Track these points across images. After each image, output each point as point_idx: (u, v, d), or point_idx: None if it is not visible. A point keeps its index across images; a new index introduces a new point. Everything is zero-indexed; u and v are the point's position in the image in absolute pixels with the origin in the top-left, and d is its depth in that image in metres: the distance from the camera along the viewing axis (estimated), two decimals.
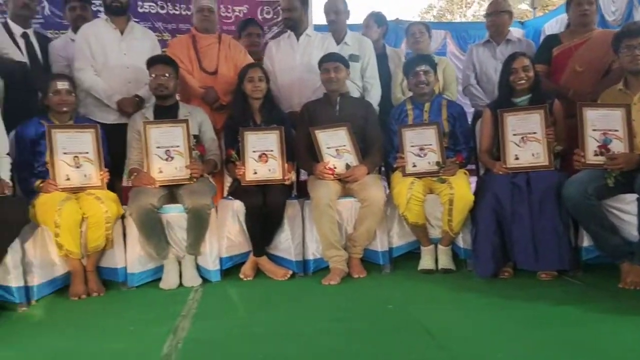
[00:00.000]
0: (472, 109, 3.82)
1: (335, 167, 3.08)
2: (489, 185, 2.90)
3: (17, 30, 3.26)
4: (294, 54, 3.52)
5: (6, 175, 2.62)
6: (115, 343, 2.11)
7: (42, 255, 2.69)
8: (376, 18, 4.02)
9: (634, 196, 2.56)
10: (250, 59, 3.53)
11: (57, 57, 3.41)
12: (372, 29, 3.97)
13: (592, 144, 2.77)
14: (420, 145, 3.10)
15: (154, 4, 5.03)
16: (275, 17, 5.24)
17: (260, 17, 5.21)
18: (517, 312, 2.32)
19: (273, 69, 3.51)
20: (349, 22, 3.74)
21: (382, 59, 3.81)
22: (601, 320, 2.18)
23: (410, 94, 3.34)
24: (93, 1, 4.03)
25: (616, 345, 1.93)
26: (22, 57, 3.16)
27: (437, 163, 3.06)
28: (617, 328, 2.09)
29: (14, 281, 2.53)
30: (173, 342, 2.05)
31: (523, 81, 2.99)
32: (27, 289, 2.60)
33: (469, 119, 3.46)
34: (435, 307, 2.44)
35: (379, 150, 3.24)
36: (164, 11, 5.12)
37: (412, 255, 3.16)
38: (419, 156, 3.10)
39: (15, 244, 2.54)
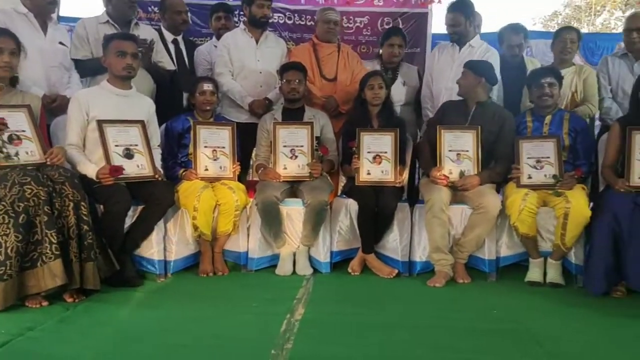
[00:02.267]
0: (599, 123, 3.68)
1: (451, 173, 3.16)
2: (609, 203, 2.82)
3: (169, 37, 3.73)
4: (452, 63, 3.60)
5: (159, 164, 3.03)
6: (241, 315, 2.39)
7: (180, 235, 3.07)
8: (515, 27, 3.94)
9: None
10: (365, 70, 3.71)
11: (202, 60, 3.87)
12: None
13: None
14: (538, 157, 3.10)
15: (282, 15, 5.38)
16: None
17: (380, 27, 5.39)
18: (629, 331, 2.27)
19: (431, 76, 3.74)
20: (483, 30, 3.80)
21: (521, 67, 3.82)
22: None
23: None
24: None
25: None
26: (172, 64, 3.60)
27: (554, 176, 3.04)
28: None
29: (157, 255, 2.93)
30: (291, 320, 2.28)
31: None
32: (165, 263, 3.00)
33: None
34: (543, 318, 2.44)
35: (504, 168, 3.20)
36: (291, 22, 5.46)
37: (519, 266, 3.16)
38: (535, 168, 3.10)
39: (160, 223, 2.95)
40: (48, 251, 2.27)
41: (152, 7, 4.80)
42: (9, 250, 2.21)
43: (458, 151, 3.17)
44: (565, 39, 3.63)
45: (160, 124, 3.29)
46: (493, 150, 3.23)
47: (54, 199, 2.35)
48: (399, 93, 3.81)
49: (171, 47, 3.70)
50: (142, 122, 2.95)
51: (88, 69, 3.26)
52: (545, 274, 3.03)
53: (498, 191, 3.22)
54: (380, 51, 4.00)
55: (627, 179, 2.85)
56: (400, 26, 4.71)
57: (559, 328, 2.31)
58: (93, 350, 1.92)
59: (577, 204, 2.86)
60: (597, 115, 3.75)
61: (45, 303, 2.34)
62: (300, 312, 2.40)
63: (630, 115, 3.03)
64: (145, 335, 2.09)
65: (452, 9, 3.67)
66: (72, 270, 2.36)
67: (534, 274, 3.04)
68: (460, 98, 3.34)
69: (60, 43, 3.20)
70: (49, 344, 1.96)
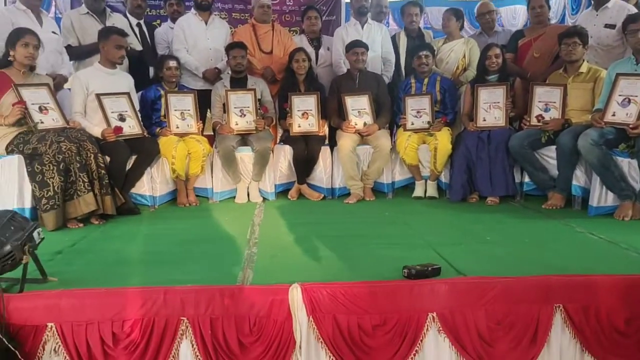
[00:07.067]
0: None
1: (356, 124, 4.37)
2: (463, 138, 4.17)
3: (133, 21, 4.60)
4: (360, 38, 4.61)
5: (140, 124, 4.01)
6: (219, 225, 3.51)
7: (162, 177, 4.10)
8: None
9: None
10: (295, 44, 4.77)
11: (160, 40, 4.76)
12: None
13: (535, 112, 4.01)
14: (418, 109, 4.37)
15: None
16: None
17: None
18: (467, 214, 3.66)
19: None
20: None
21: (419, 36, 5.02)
22: (522, 222, 3.46)
23: None
24: None
25: (528, 233, 3.16)
26: (139, 45, 4.49)
27: (428, 122, 4.33)
28: (529, 225, 3.37)
29: (148, 191, 3.97)
30: (254, 225, 3.43)
31: (494, 65, 4.21)
32: (153, 197, 4.03)
33: None
34: (417, 215, 3.76)
35: (388, 112, 4.51)
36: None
37: (408, 187, 4.48)
38: (416, 117, 4.37)
39: (147, 168, 3.97)
40: (82, 187, 3.27)
41: None
42: (55, 188, 3.18)
43: (358, 109, 4.38)
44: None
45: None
46: (378, 100, 4.45)
47: (81, 152, 3.32)
48: (324, 56, 4.93)
49: (136, 29, 4.58)
50: (128, 93, 3.90)
51: (77, 54, 4.13)
52: (425, 191, 4.36)
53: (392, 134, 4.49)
54: (303, 26, 5.06)
55: (475, 122, 4.19)
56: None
57: (425, 219, 3.64)
58: (131, 246, 2.99)
59: (443, 140, 4.17)
60: None
61: (80, 225, 3.35)
62: (260, 219, 3.57)
63: (478, 76, 4.36)
64: (161, 237, 3.18)
65: None
66: (97, 201, 3.36)
67: (417, 191, 4.36)
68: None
69: (53, 32, 4.01)
70: (101, 244, 3.00)
